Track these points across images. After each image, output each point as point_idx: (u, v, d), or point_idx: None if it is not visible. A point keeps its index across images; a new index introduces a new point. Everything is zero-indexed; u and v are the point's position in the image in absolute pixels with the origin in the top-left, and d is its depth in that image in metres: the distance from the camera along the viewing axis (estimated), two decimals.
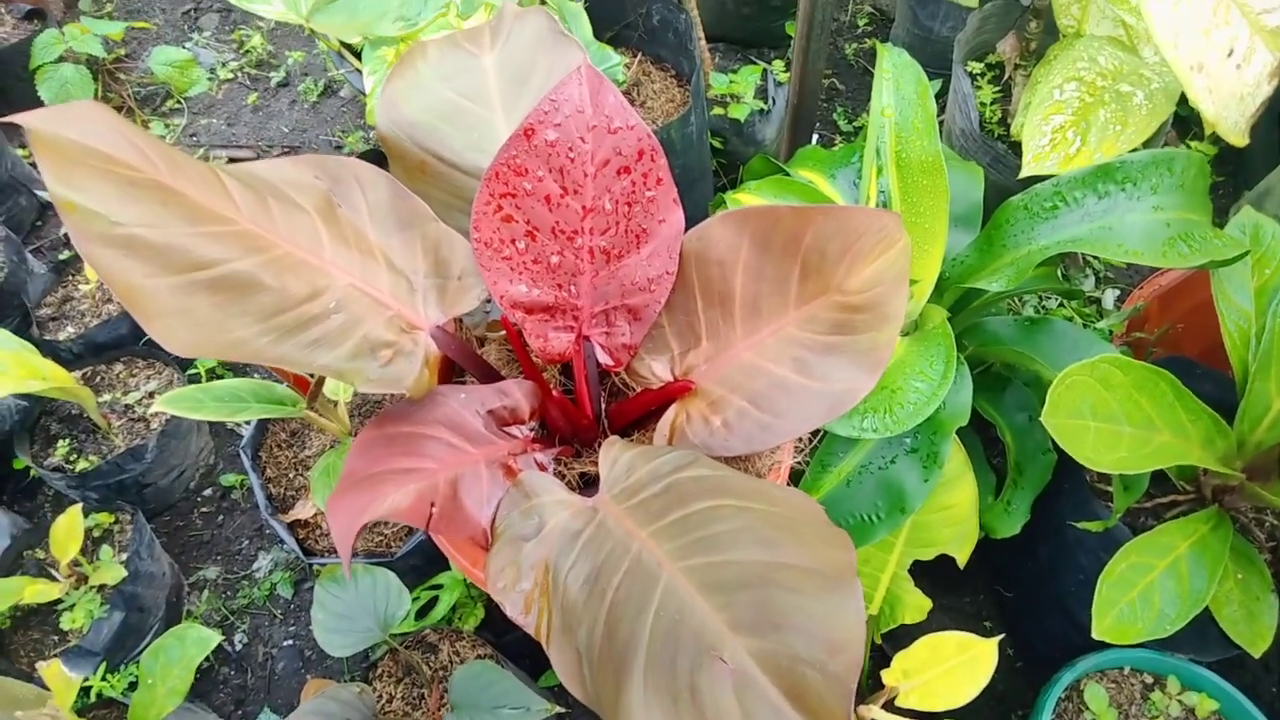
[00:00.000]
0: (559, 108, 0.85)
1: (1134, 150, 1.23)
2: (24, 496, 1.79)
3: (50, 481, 1.65)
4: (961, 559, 1.29)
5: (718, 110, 1.94)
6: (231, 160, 2.42)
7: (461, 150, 0.97)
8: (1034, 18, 1.77)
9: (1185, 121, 2.19)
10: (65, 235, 2.18)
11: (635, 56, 1.95)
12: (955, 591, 1.59)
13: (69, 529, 1.38)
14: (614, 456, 0.86)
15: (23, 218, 2.23)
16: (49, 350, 1.70)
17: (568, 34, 0.99)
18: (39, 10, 2.49)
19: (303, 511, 1.41)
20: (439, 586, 1.40)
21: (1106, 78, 1.29)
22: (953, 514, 1.28)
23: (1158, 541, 1.12)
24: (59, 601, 1.44)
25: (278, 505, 1.43)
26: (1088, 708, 1.21)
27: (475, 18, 1.41)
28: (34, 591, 1.36)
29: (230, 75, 2.64)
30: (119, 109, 2.52)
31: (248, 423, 1.61)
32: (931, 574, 1.35)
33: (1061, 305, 1.86)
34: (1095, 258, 2.00)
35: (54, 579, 1.43)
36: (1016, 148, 1.66)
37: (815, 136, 2.26)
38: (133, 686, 1.34)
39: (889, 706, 1.09)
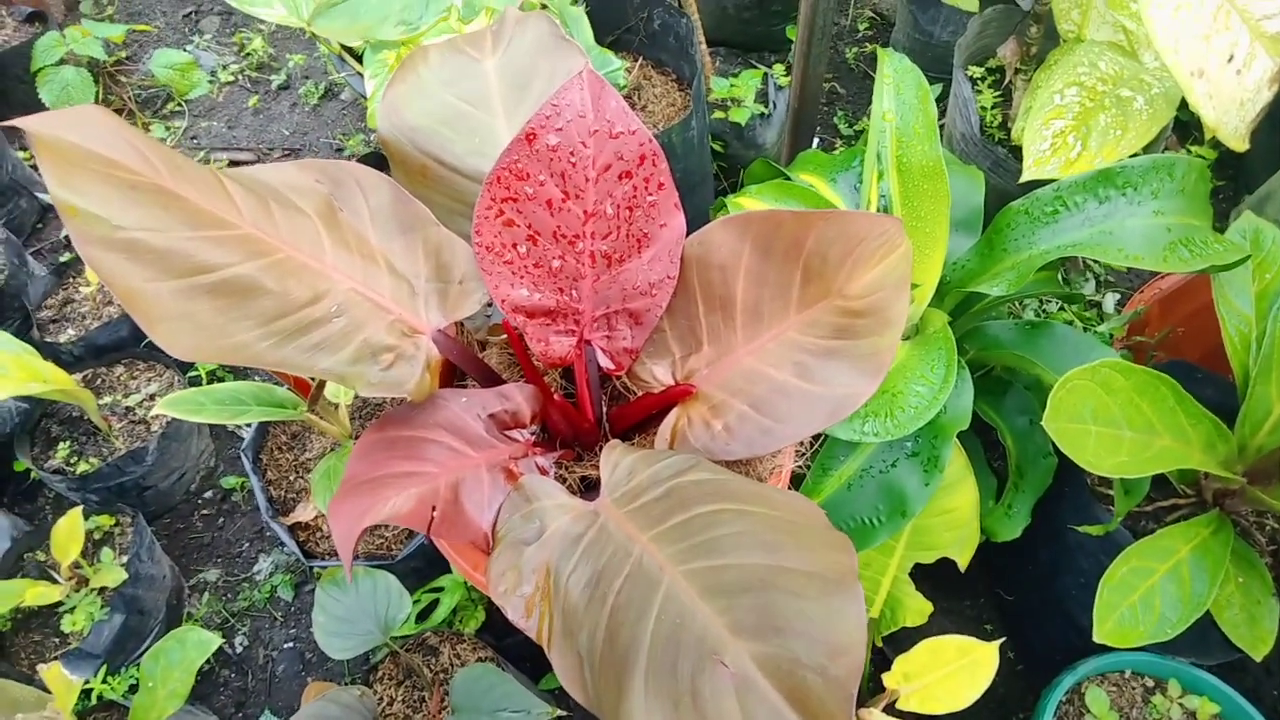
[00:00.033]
0: (560, 112, 0.86)
1: (1134, 155, 1.23)
2: (25, 499, 1.79)
3: (51, 484, 1.65)
4: (962, 562, 1.29)
5: (719, 114, 1.94)
6: (232, 163, 2.42)
7: (463, 155, 0.97)
8: (1034, 23, 1.78)
9: (1186, 126, 2.19)
10: (66, 238, 2.18)
11: (636, 61, 1.95)
12: (956, 595, 1.59)
13: (70, 531, 1.38)
14: (615, 460, 0.86)
15: (24, 220, 2.23)
16: (50, 352, 1.70)
17: (569, 39, 1.00)
18: (40, 13, 2.49)
19: (303, 514, 1.41)
20: (440, 589, 1.40)
21: (1107, 83, 1.30)
22: (953, 518, 1.28)
23: (1159, 545, 1.12)
24: (60, 604, 1.44)
25: (278, 508, 1.44)
26: (1089, 711, 1.21)
27: (476, 22, 1.41)
28: (35, 594, 1.36)
29: (231, 78, 2.65)
30: (120, 111, 2.52)
31: (248, 425, 1.61)
32: (932, 577, 1.35)
33: (1062, 309, 1.86)
34: (1096, 262, 2.00)
35: (55, 581, 1.43)
36: (1017, 152, 1.66)
37: (816, 140, 2.26)
38: (133, 689, 1.34)
39: (890, 709, 1.09)
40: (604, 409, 1.02)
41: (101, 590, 1.46)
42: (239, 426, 1.88)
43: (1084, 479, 1.29)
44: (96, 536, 1.54)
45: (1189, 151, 2.12)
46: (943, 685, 1.10)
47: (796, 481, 1.18)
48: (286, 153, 2.46)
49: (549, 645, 0.72)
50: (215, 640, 1.20)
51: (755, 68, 2.05)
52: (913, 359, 1.13)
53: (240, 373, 1.91)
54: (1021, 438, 1.35)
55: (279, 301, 0.76)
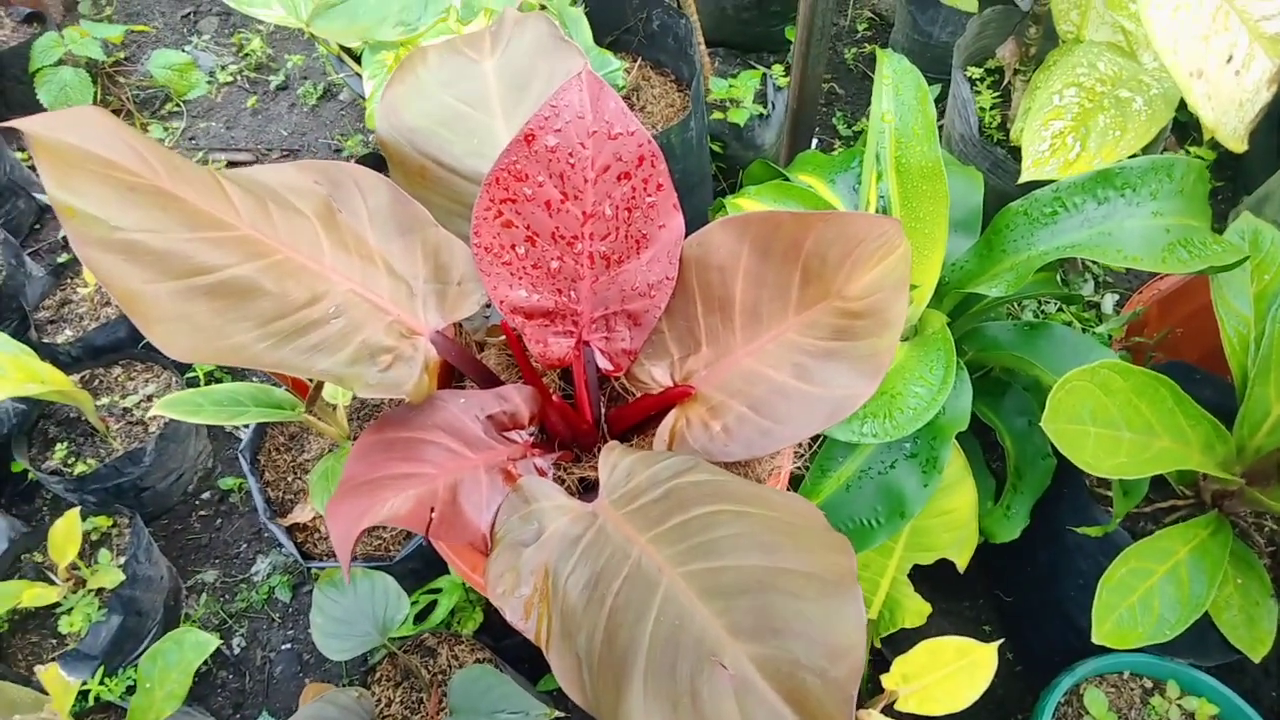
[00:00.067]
0: (559, 113, 0.85)
1: (1133, 156, 1.23)
2: (22, 500, 1.79)
3: (48, 485, 1.65)
4: (961, 564, 1.29)
5: (717, 115, 1.94)
6: (231, 164, 2.42)
7: (461, 156, 0.97)
8: (1033, 23, 1.78)
9: (1184, 127, 2.19)
10: (64, 238, 2.18)
11: (635, 61, 1.95)
12: (955, 596, 1.59)
13: (67, 532, 1.38)
14: (613, 462, 0.86)
15: (21, 221, 2.23)
16: (47, 353, 1.69)
17: (568, 39, 0.99)
18: (38, 13, 2.49)
19: (301, 515, 1.41)
20: (438, 590, 1.40)
21: (1106, 83, 1.30)
22: (952, 519, 1.28)
23: (1157, 546, 1.12)
24: (57, 605, 1.44)
25: (276, 509, 1.43)
26: (1087, 712, 1.21)
27: (475, 23, 1.41)
28: (32, 595, 1.35)
29: (229, 79, 2.65)
30: (118, 112, 2.52)
31: (246, 426, 1.61)
32: (931, 578, 1.35)
33: (1061, 310, 1.86)
34: (1094, 263, 2.00)
35: (52, 582, 1.43)
36: (1016, 153, 1.66)
37: (815, 141, 2.26)
38: (131, 690, 1.34)
39: (888, 711, 1.09)
40: (602, 410, 1.02)
41: (99, 591, 1.45)
42: (237, 428, 1.88)
43: (1083, 480, 1.29)
44: (94, 537, 1.53)
45: (1188, 152, 2.13)
46: (941, 686, 1.10)
47: (795, 483, 1.18)
48: (285, 153, 2.46)
49: (547, 646, 0.72)
50: (213, 641, 1.20)
51: (754, 68, 2.05)
52: (911, 360, 1.13)
53: (238, 374, 1.91)
54: (1020, 439, 1.35)
55: (277, 303, 0.76)
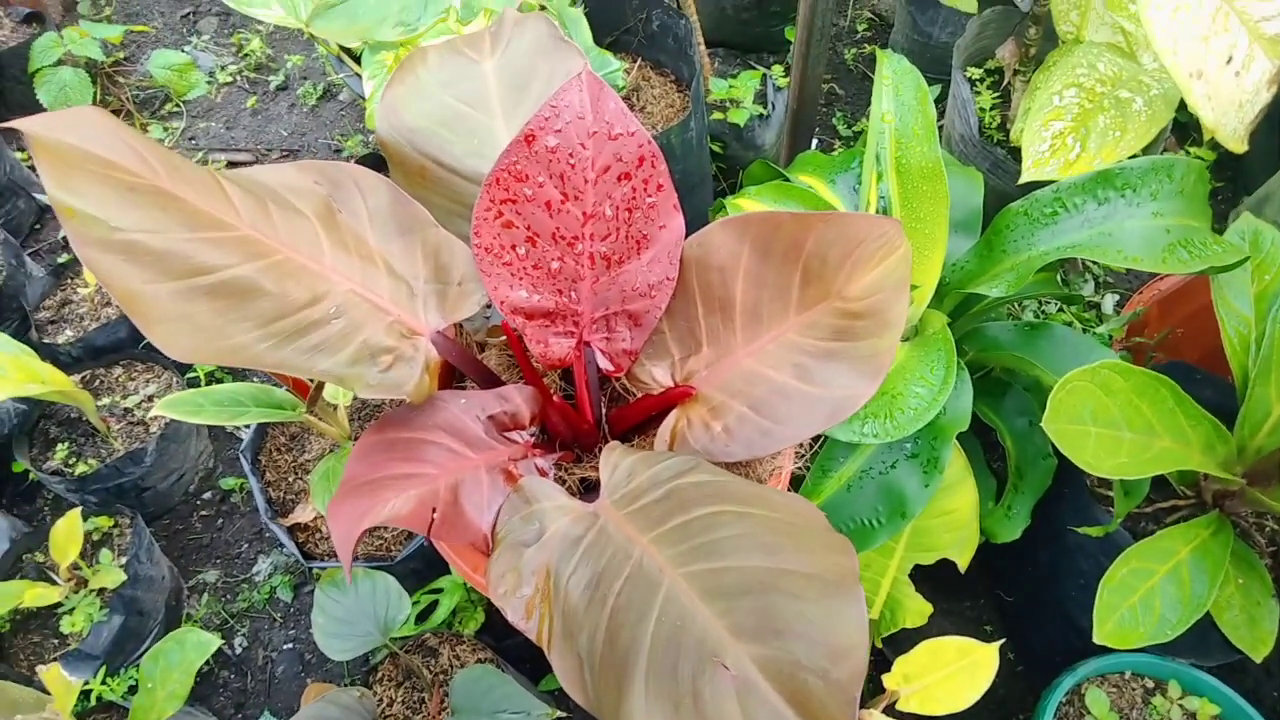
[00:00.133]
0: (559, 114, 0.85)
1: (1133, 156, 1.23)
2: (23, 500, 1.79)
3: (49, 485, 1.65)
4: (962, 564, 1.29)
5: (717, 115, 1.94)
6: (230, 164, 2.42)
7: (462, 156, 0.97)
8: (1033, 24, 1.78)
9: (1184, 127, 2.19)
10: (64, 239, 2.18)
11: (635, 62, 1.95)
12: (956, 596, 1.59)
13: (68, 532, 1.38)
14: (615, 462, 0.86)
15: (21, 221, 2.23)
16: (48, 353, 1.69)
17: (568, 40, 0.99)
18: (38, 13, 2.49)
19: (302, 515, 1.41)
20: (439, 590, 1.40)
21: (1106, 84, 1.30)
22: (953, 519, 1.28)
23: (1158, 546, 1.12)
24: (58, 605, 1.44)
25: (277, 509, 1.43)
26: (1089, 712, 1.21)
27: (475, 23, 1.41)
28: (34, 595, 1.36)
29: (229, 79, 2.65)
30: (117, 112, 2.52)
31: (247, 427, 1.61)
32: (932, 579, 1.35)
33: (1061, 310, 1.86)
34: (1095, 263, 2.00)
35: (54, 583, 1.43)
36: (1016, 153, 1.66)
37: (815, 141, 2.26)
38: (132, 690, 1.34)
39: (890, 711, 1.09)
40: (603, 410, 1.02)
41: (100, 591, 1.45)
42: (238, 428, 1.88)
43: (1083, 480, 1.29)
44: (95, 538, 1.53)
45: (1188, 153, 2.13)
46: (943, 686, 1.10)
47: (796, 483, 1.18)
48: (285, 154, 2.46)
49: (549, 647, 0.72)
50: (214, 641, 1.20)
51: (754, 69, 2.05)
52: (912, 360, 1.13)
53: (239, 374, 1.91)
54: (1021, 439, 1.35)
55: (277, 303, 0.76)
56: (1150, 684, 1.25)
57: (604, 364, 0.97)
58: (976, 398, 1.18)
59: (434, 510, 0.79)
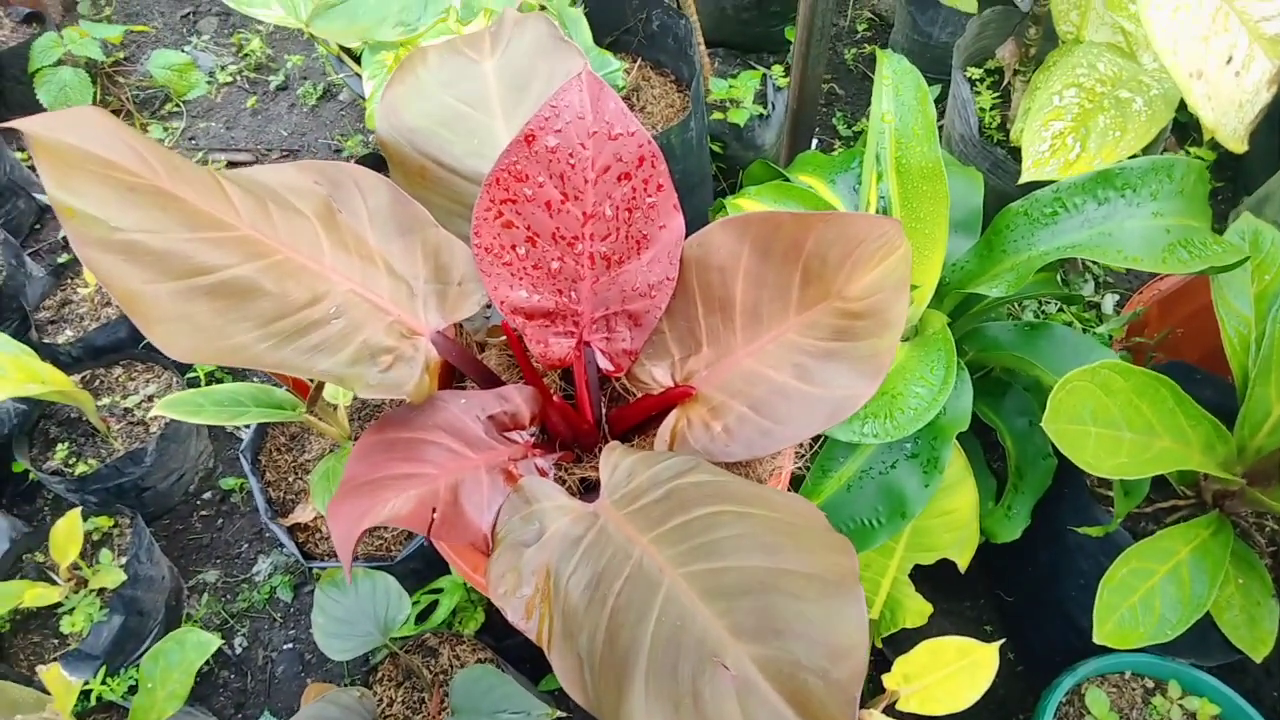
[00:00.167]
0: (559, 114, 0.85)
1: (1133, 156, 1.23)
2: (23, 500, 1.79)
3: (49, 485, 1.65)
4: (962, 564, 1.29)
5: (717, 115, 1.94)
6: (230, 164, 2.42)
7: (462, 156, 0.97)
8: (1033, 24, 1.78)
9: (1184, 127, 2.19)
10: (64, 239, 2.18)
11: (635, 62, 1.95)
12: (956, 596, 1.59)
13: (68, 532, 1.38)
14: (615, 462, 0.86)
15: (21, 221, 2.23)
16: (48, 353, 1.69)
17: (568, 40, 0.99)
18: (38, 13, 2.49)
19: (302, 515, 1.41)
20: (439, 590, 1.40)
21: (1106, 84, 1.30)
22: (953, 519, 1.28)
23: (1158, 546, 1.12)
24: (58, 605, 1.44)
25: (277, 509, 1.43)
26: (1089, 712, 1.21)
27: (475, 23, 1.41)
28: (34, 595, 1.36)
29: (229, 79, 2.65)
30: (117, 112, 2.52)
31: (247, 427, 1.61)
32: (932, 579, 1.35)
33: (1061, 310, 1.86)
34: (1095, 263, 2.00)
35: (54, 583, 1.43)
36: (1016, 153, 1.66)
37: (815, 141, 2.26)
38: (132, 690, 1.34)
39: (890, 711, 1.09)
40: (603, 410, 1.02)
41: (100, 591, 1.45)
42: (238, 428, 1.88)
43: (1083, 480, 1.29)
44: (95, 538, 1.54)
45: (1188, 153, 2.13)
46: (943, 686, 1.10)
47: (796, 483, 1.18)
48: (285, 154, 2.46)
49: (549, 647, 0.72)
50: (214, 641, 1.20)
51: (754, 69, 2.05)
52: (912, 360, 1.13)
53: (239, 374, 1.91)
54: (1021, 439, 1.35)
55: (277, 303, 0.76)
56: (1150, 684, 1.25)
57: (604, 364, 0.97)
58: (976, 398, 1.18)
59: (434, 510, 0.79)
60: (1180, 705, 1.21)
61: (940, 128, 2.02)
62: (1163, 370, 1.12)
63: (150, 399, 1.73)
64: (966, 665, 1.10)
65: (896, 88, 1.30)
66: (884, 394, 1.09)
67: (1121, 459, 1.04)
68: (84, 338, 1.78)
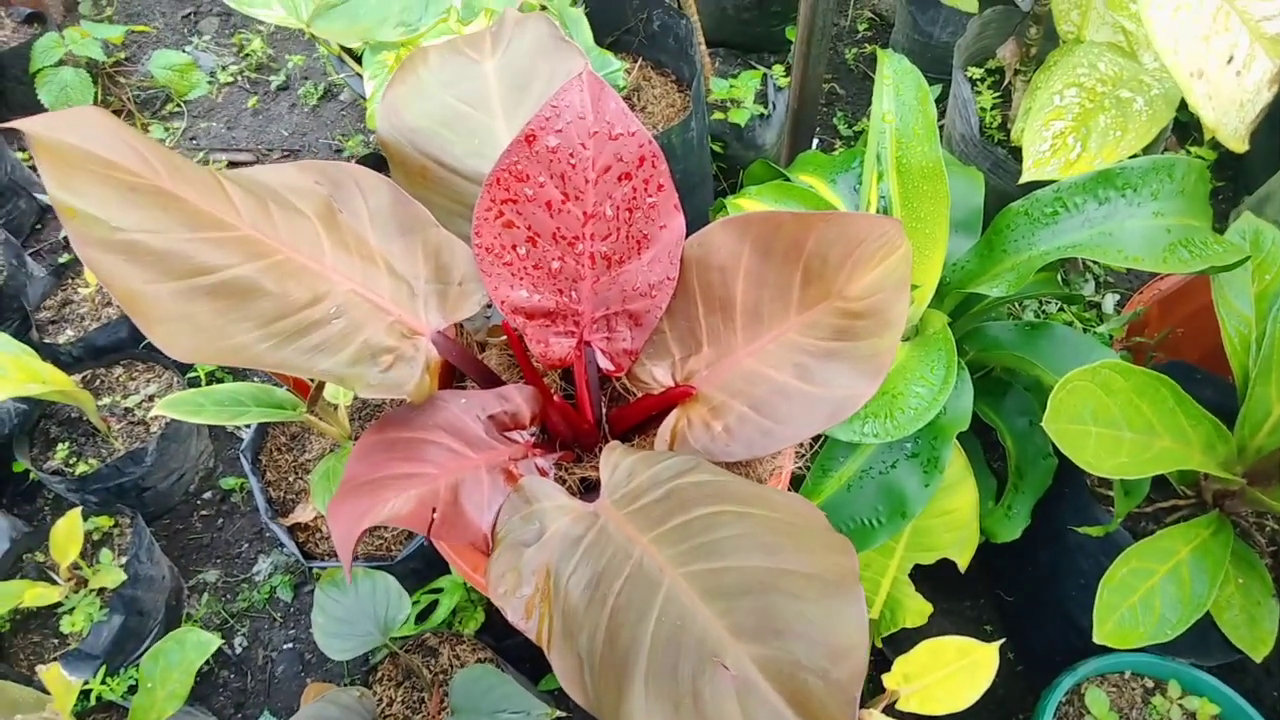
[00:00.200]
0: (560, 114, 0.85)
1: (1134, 156, 1.23)
2: (24, 500, 1.79)
3: (50, 485, 1.65)
4: (962, 564, 1.29)
5: (718, 115, 1.94)
6: (231, 164, 2.42)
7: (462, 156, 0.97)
8: (1034, 24, 1.78)
9: (1185, 127, 2.19)
10: (65, 238, 2.18)
11: (636, 62, 1.95)
12: (956, 596, 1.59)
13: (69, 532, 1.38)
14: (615, 462, 0.86)
15: (22, 221, 2.23)
16: (48, 353, 1.69)
17: (568, 40, 0.99)
18: (39, 14, 2.49)
19: (303, 515, 1.41)
20: (439, 590, 1.40)
21: (1107, 84, 1.30)
22: (953, 519, 1.28)
23: (1159, 546, 1.12)
24: (59, 605, 1.44)
25: (278, 509, 1.43)
26: (1089, 712, 1.21)
27: (476, 24, 1.41)
28: (34, 595, 1.36)
29: (230, 79, 2.65)
30: (118, 112, 2.52)
31: (248, 426, 1.61)
32: (932, 578, 1.35)
33: (1062, 310, 1.86)
34: (1095, 263, 2.00)
35: (54, 582, 1.43)
36: (1017, 153, 1.66)
37: (815, 141, 2.26)
38: (132, 690, 1.34)
39: (890, 710, 1.09)
40: (604, 410, 1.02)
41: (100, 591, 1.46)
42: (238, 428, 1.88)
43: (1084, 480, 1.29)
44: (95, 537, 1.54)
45: (1188, 152, 2.13)
46: (943, 686, 1.10)
47: (796, 483, 1.18)
48: (285, 154, 2.46)
49: (549, 647, 0.72)
50: (214, 641, 1.20)
51: (754, 69, 2.05)
52: (912, 360, 1.13)
53: (239, 374, 1.91)
54: (1021, 439, 1.35)
55: (278, 303, 0.76)
56: (1150, 684, 1.25)
57: (604, 364, 0.97)
58: (977, 397, 1.18)
59: (434, 510, 0.79)
60: (1180, 705, 1.21)
61: (941, 127, 2.02)
62: (1163, 370, 1.12)
63: (151, 399, 1.73)
64: (966, 665, 1.10)
65: (897, 87, 1.30)
66: (884, 394, 1.09)
67: (1122, 459, 1.04)
68: (85, 337, 1.78)
